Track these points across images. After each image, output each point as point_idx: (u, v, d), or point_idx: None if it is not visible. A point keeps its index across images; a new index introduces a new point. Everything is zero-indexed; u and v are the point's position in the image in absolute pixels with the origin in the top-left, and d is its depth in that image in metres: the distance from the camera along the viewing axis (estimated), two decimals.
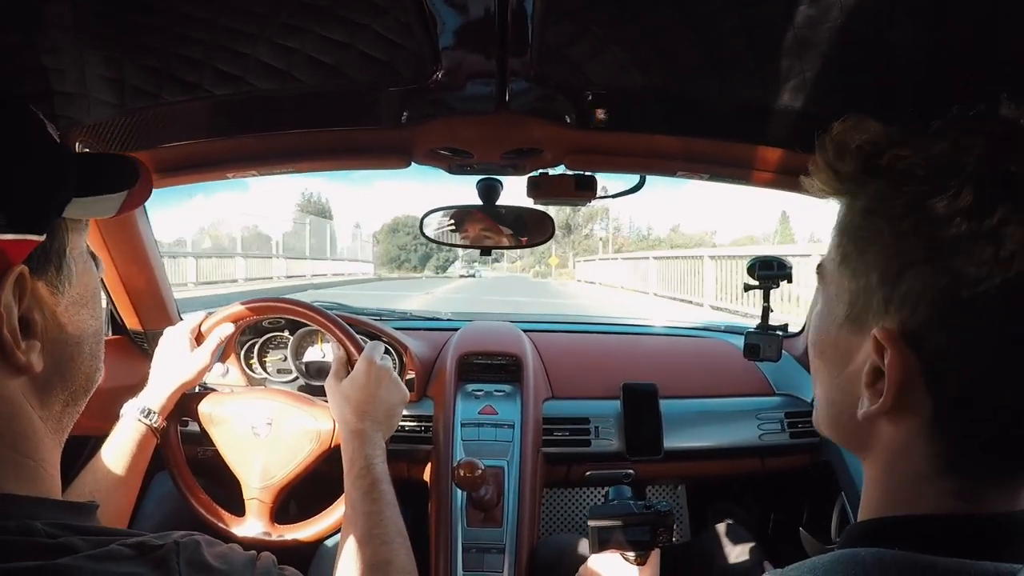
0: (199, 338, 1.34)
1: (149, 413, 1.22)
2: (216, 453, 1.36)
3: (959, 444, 0.49)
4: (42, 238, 0.53)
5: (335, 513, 1.30)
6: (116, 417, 1.23)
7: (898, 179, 0.50)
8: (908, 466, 0.51)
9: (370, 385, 1.18)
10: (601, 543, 1.11)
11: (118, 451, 1.17)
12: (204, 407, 1.34)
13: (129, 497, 1.17)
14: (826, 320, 0.58)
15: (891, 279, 0.50)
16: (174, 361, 1.29)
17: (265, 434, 1.31)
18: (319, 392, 1.66)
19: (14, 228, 0.51)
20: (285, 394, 1.37)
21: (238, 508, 1.35)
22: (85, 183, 0.59)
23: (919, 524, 0.50)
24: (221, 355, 1.63)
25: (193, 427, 1.54)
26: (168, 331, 1.33)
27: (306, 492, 1.59)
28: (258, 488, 1.30)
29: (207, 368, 1.32)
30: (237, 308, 1.37)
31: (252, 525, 1.31)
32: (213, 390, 1.41)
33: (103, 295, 1.26)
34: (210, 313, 1.37)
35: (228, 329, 1.36)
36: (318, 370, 1.75)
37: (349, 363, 1.26)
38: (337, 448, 1.24)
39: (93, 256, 0.65)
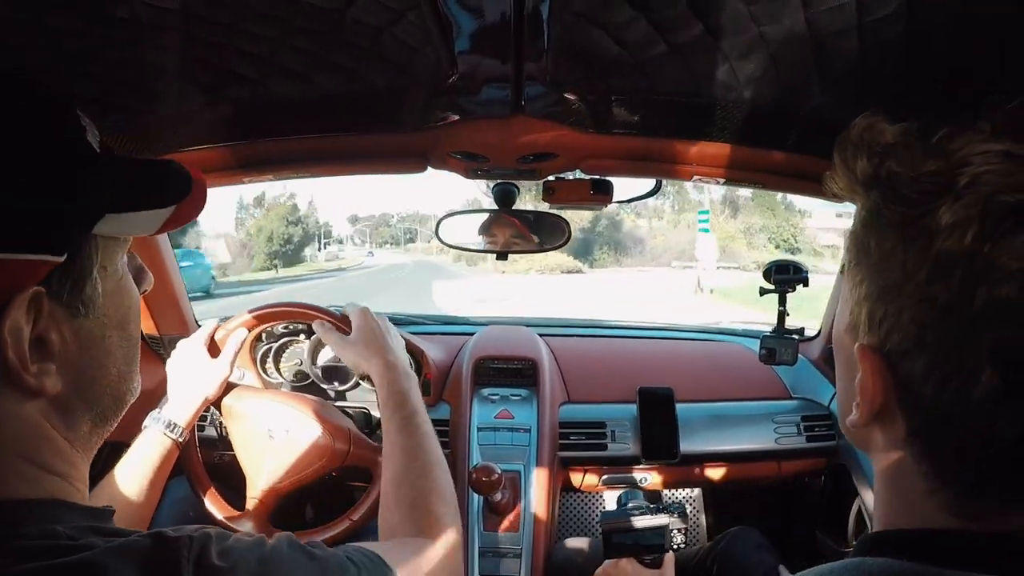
0: (212, 348, 1.34)
1: (174, 428, 1.21)
2: (233, 458, 1.37)
3: (943, 465, 0.48)
4: (61, 259, 0.49)
5: (332, 530, 1.31)
6: (131, 421, 1.23)
7: (891, 195, 0.49)
8: (904, 478, 0.51)
9: (377, 328, 1.17)
10: (614, 549, 1.11)
11: (140, 464, 1.15)
12: (227, 399, 1.35)
13: (147, 511, 1.16)
14: (838, 321, 0.58)
15: (875, 296, 0.49)
16: (193, 375, 1.29)
17: (280, 439, 1.31)
18: (332, 397, 1.68)
19: (28, 248, 0.47)
20: (307, 404, 1.38)
21: (240, 506, 1.36)
22: (123, 196, 0.54)
23: (927, 538, 0.49)
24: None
25: (211, 431, 1.56)
26: (181, 344, 1.33)
27: (322, 500, 1.59)
28: (262, 489, 1.32)
29: (227, 378, 1.33)
30: (247, 316, 1.38)
31: (248, 522, 1.32)
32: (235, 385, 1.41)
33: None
34: (221, 323, 1.38)
35: (242, 335, 1.37)
36: (331, 373, 1.75)
37: (338, 330, 1.25)
38: (347, 467, 1.29)
39: (140, 270, 0.61)
